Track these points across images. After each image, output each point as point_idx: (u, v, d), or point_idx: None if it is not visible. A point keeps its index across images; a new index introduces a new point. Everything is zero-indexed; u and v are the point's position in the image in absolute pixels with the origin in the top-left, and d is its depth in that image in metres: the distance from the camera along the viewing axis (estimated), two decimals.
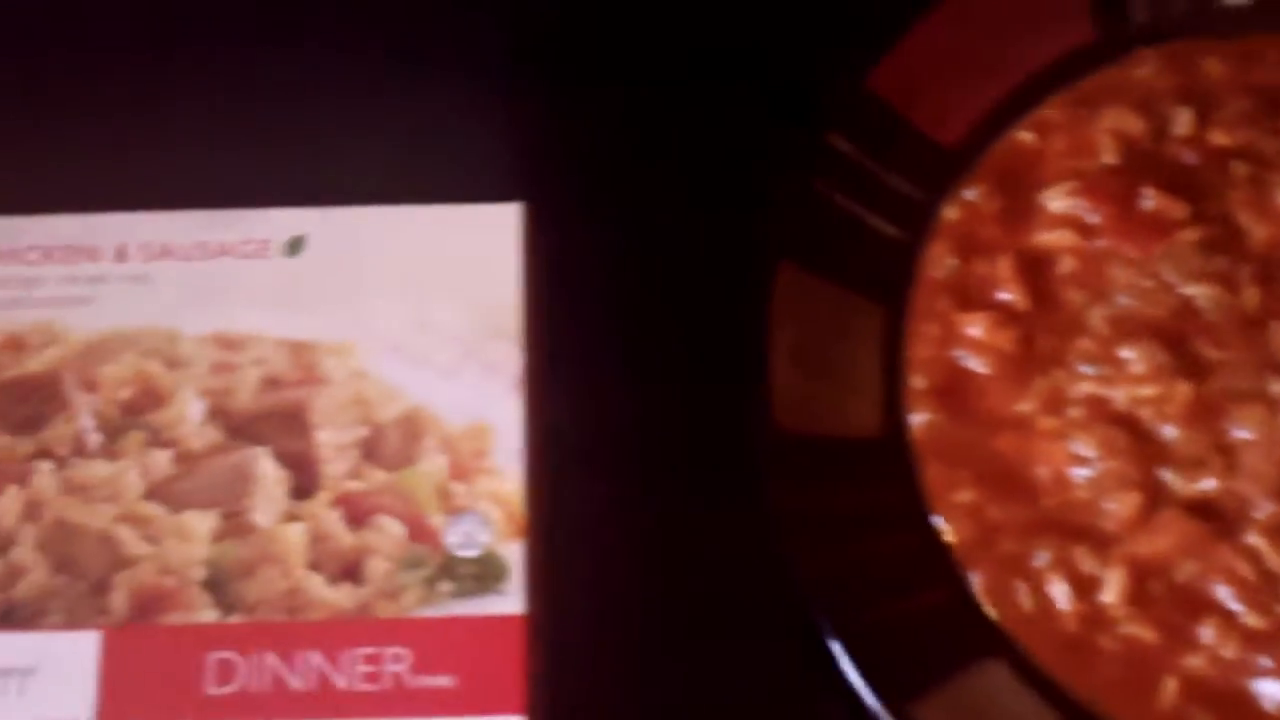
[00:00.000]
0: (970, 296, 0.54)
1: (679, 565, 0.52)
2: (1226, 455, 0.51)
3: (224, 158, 0.57)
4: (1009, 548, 0.51)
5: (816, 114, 0.56)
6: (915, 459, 0.52)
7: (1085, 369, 0.52)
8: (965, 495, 0.52)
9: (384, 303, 0.55)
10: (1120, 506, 0.51)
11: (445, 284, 0.55)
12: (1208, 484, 0.50)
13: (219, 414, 0.54)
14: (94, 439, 0.53)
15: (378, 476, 0.53)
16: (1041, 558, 0.51)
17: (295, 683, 0.50)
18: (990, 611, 0.50)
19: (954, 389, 0.53)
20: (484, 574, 0.51)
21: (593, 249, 0.56)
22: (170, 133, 0.57)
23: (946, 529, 0.51)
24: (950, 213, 0.55)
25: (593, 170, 0.57)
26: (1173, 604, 0.50)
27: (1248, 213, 0.53)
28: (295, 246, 0.55)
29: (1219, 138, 0.55)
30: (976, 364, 0.53)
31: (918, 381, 0.53)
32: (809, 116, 0.55)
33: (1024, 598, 0.50)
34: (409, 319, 0.54)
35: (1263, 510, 0.50)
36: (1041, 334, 0.53)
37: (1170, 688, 0.49)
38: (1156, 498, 0.51)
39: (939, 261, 0.54)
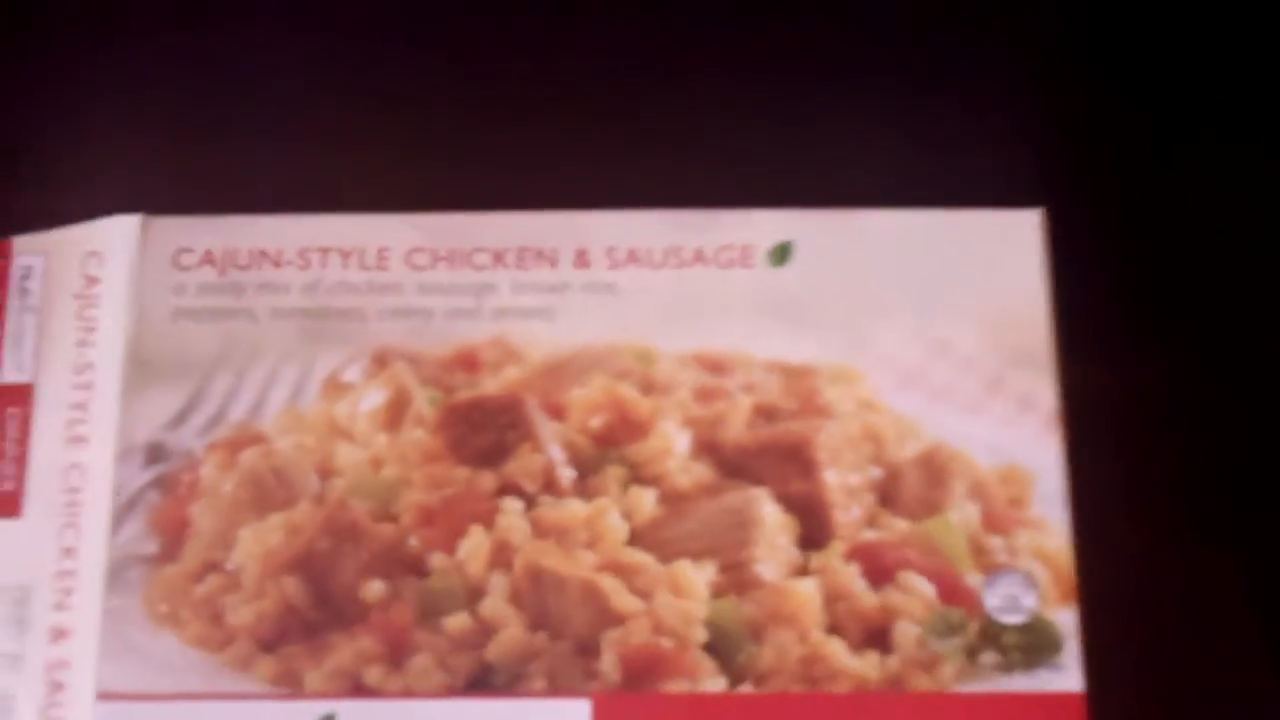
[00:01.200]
0: None
1: (1247, 631, 0.45)
2: None
3: (695, 150, 0.50)
4: None
5: None
6: None
7: None
8: None
9: (888, 322, 0.47)
10: None
11: (958, 302, 0.47)
12: None
13: (707, 447, 0.47)
14: (565, 473, 0.46)
15: (898, 525, 0.46)
16: None
17: None
18: None
19: None
20: (1033, 644, 0.44)
21: (1127, 265, 0.48)
22: (632, 123, 0.50)
23: None
24: None
25: (1122, 173, 0.49)
26: None
27: None
28: (782, 254, 0.48)
29: None
30: None
31: None
32: None
33: None
34: (920, 342, 0.47)
35: None
36: None
37: None
38: None
39: None
